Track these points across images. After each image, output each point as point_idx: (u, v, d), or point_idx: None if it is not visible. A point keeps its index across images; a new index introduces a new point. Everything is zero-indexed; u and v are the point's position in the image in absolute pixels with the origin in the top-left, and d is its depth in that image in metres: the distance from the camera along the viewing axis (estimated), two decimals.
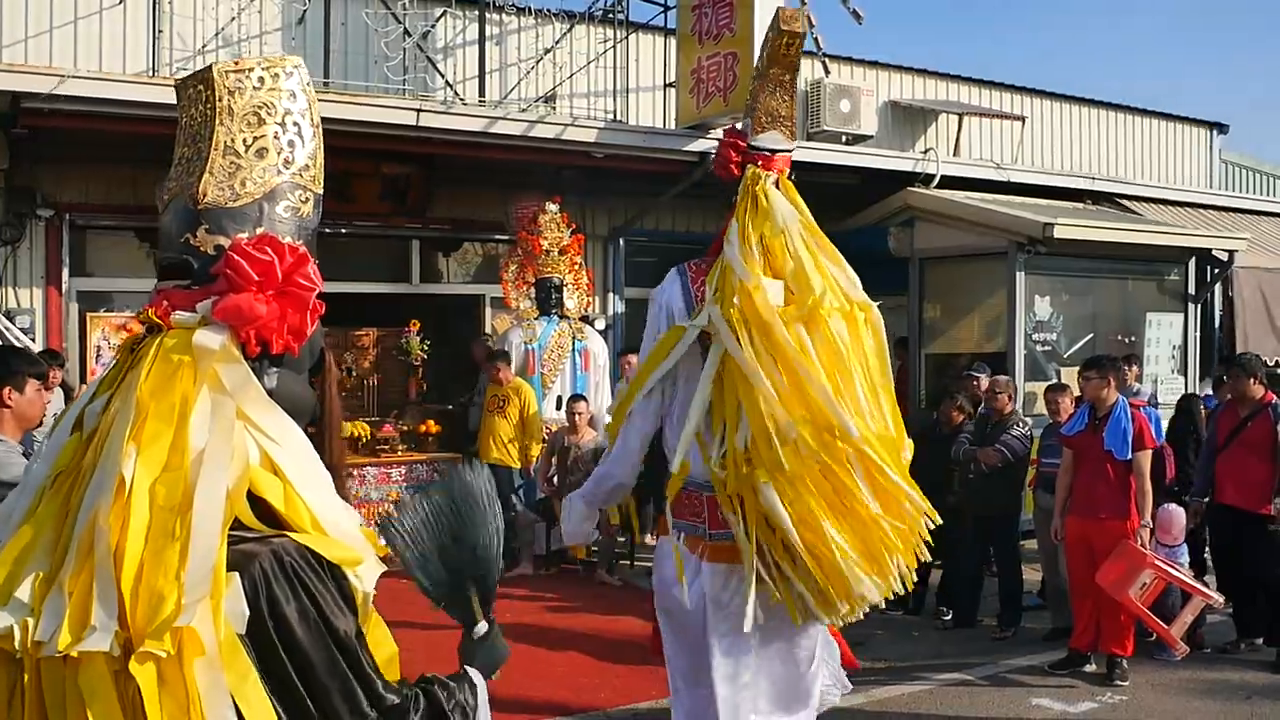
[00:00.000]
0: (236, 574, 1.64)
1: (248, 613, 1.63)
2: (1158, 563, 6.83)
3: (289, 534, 1.73)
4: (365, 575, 1.80)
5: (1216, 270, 13.02)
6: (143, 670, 1.56)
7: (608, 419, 10.63)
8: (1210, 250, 12.87)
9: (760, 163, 4.29)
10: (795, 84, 4.45)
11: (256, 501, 1.73)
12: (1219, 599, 7.37)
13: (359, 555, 1.79)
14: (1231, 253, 12.79)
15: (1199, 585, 7.10)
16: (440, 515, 2.18)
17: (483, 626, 2.17)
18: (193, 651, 1.58)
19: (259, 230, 1.87)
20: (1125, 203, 13.77)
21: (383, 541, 2.00)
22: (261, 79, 1.93)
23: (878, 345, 4.14)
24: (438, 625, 2.21)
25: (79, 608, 1.59)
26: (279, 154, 1.93)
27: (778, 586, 3.85)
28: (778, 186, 4.26)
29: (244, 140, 1.90)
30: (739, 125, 4.47)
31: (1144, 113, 17.40)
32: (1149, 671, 7.25)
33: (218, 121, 1.89)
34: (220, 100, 1.90)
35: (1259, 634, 7.74)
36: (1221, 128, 18.16)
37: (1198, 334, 13.08)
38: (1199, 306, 13.17)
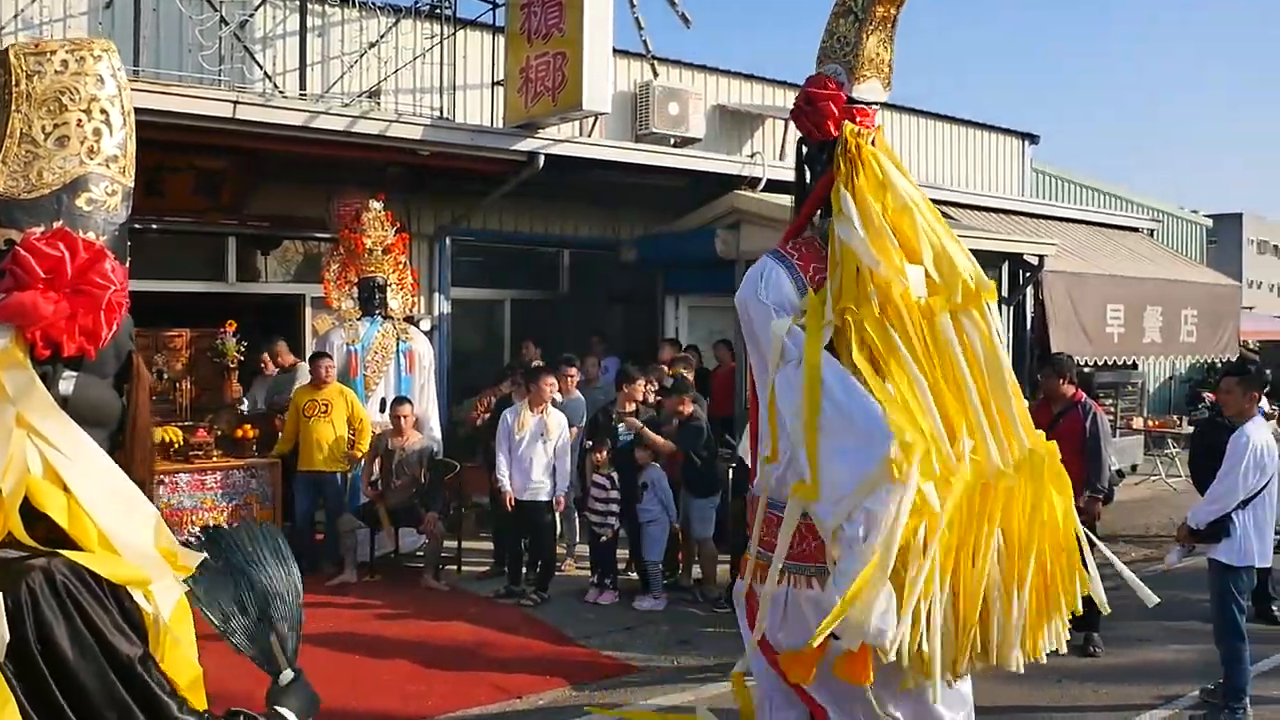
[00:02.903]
0: (0, 594, 1.53)
1: (7, 636, 1.52)
2: None
3: (65, 552, 1.61)
4: (158, 596, 1.70)
5: (1028, 274, 13.59)
6: None
7: (434, 422, 10.54)
8: (1022, 255, 13.42)
9: (858, 119, 3.64)
10: (897, 26, 3.76)
11: (39, 517, 1.61)
12: None
13: (146, 576, 1.68)
14: (1042, 258, 13.37)
15: None
16: (236, 570, 2.15)
17: (289, 674, 2.10)
18: None
19: (56, 224, 1.75)
20: (943, 208, 14.15)
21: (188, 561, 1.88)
22: (65, 62, 1.81)
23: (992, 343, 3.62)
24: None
25: None
26: (82, 143, 1.81)
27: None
28: (874, 145, 3.63)
29: (43, 128, 1.78)
30: (826, 72, 3.73)
31: (962, 122, 18.06)
32: None
33: (14, 107, 1.77)
34: (17, 84, 1.77)
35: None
36: (1033, 138, 19.01)
37: (1010, 335, 13.60)
38: (1012, 308, 13.72)
